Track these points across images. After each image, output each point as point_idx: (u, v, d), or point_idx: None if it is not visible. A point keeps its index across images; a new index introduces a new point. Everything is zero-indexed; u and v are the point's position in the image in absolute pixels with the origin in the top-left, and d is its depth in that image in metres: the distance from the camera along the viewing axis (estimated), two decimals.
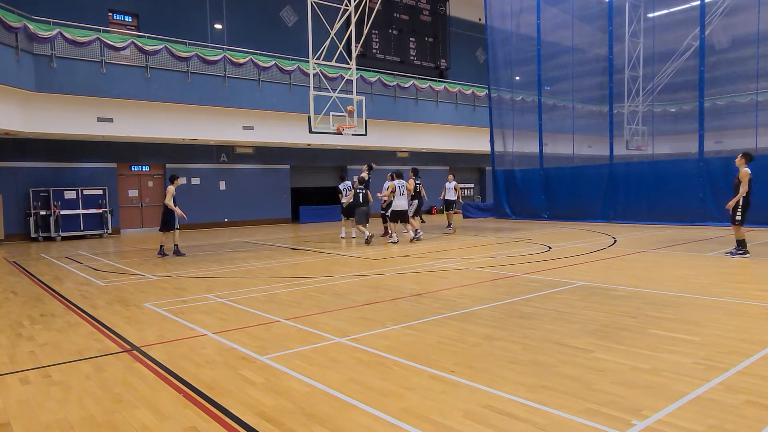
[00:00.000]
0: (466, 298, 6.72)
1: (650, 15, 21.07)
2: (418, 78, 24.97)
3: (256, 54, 20.16)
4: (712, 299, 6.31)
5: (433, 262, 10.07)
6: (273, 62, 20.33)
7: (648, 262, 9.45)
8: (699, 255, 10.03)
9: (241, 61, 19.61)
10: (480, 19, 26.94)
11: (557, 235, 14.27)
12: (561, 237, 13.91)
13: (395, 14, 25.31)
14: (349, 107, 15.84)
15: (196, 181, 21.70)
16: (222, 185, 22.33)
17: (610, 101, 19.09)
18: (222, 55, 19.25)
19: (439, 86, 25.54)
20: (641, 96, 21.78)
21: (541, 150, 20.63)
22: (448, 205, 17.21)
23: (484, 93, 25.03)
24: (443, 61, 27.25)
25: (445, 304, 6.44)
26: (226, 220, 22.42)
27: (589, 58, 20.59)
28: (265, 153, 23.23)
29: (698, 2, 16.73)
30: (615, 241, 12.85)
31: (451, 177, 17.33)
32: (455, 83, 26.41)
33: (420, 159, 28.44)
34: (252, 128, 20.65)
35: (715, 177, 15.53)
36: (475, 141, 26.99)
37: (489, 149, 22.89)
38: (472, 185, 32.18)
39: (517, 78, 22.24)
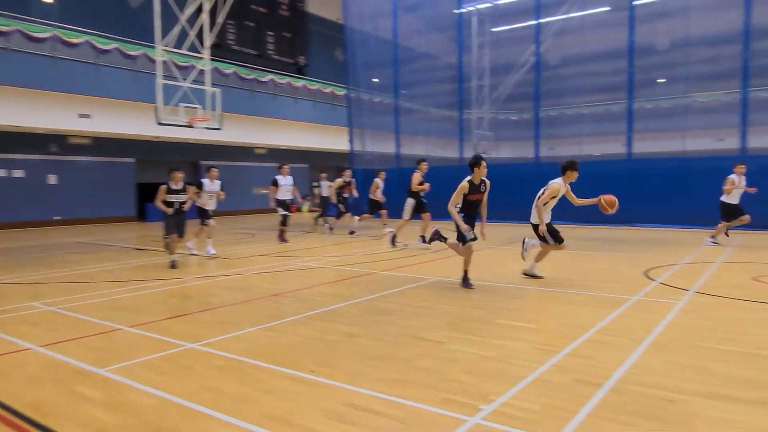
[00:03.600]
0: (326, 297, 6.71)
1: (494, 29, 22.87)
2: (277, 73, 24.49)
3: (95, 35, 18.24)
4: (547, 290, 7.01)
5: (292, 261, 9.92)
6: (115, 45, 18.56)
7: (495, 257, 10.25)
8: (537, 250, 11.09)
9: (76, 41, 17.60)
10: (339, 19, 27.19)
11: (415, 233, 14.87)
12: (418, 235, 14.50)
13: (252, 6, 24.53)
14: (193, 118, 14.80)
15: (19, 173, 19.05)
16: (52, 179, 19.87)
17: (460, 107, 20.37)
18: (52, 33, 17.11)
19: (299, 83, 25.30)
20: (488, 104, 23.57)
21: (397, 151, 21.38)
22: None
23: (344, 92, 25.31)
24: (302, 57, 27.04)
25: (304, 303, 6.36)
26: (57, 218, 19.99)
27: (442, 66, 21.76)
28: (105, 144, 21.10)
29: (534, 22, 18.53)
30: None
31: (742, 168, 11.23)
32: (315, 81, 26.35)
33: (279, 156, 27.91)
34: (89, 116, 18.64)
35: (549, 179, 17.34)
36: (334, 140, 27.18)
37: (348, 148, 23.19)
38: (330, 184, 32.32)
39: (375, 80, 22.79)
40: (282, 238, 13.09)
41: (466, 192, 6.94)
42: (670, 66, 18.81)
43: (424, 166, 12.07)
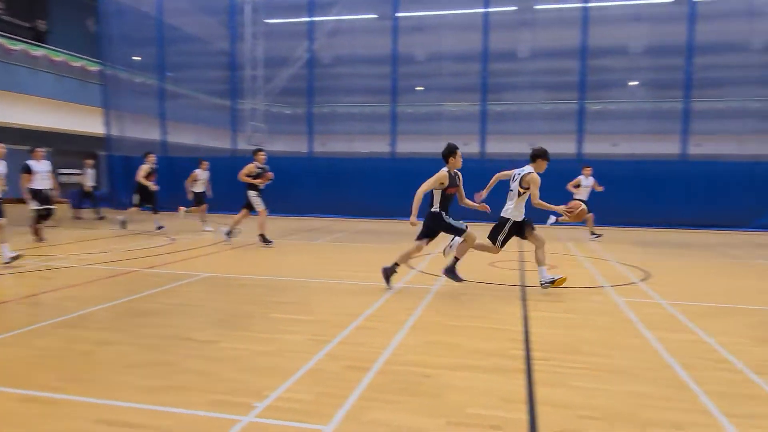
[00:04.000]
0: (75, 301, 5.83)
1: (267, 21, 22.65)
2: (8, 37, 20.45)
3: None
4: (320, 281, 7.21)
5: (30, 261, 8.40)
6: None
7: (268, 251, 10.15)
8: (311, 243, 11.37)
9: None
10: None
11: (182, 227, 13.93)
12: (185, 228, 13.63)
13: None
14: None
15: None
16: None
17: (233, 96, 19.74)
18: None
19: (38, 51, 21.51)
20: (262, 95, 23.25)
21: (164, 138, 19.77)
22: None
23: (98, 68, 22.34)
24: (41, 22, 23.09)
25: (46, 309, 5.44)
26: None
27: (214, 51, 20.77)
28: None
29: (307, 19, 18.90)
30: (240, 231, 13.36)
31: (588, 171, 12.60)
32: (60, 51, 22.70)
33: (12, 137, 23.35)
34: None
35: (321, 174, 17.96)
36: (86, 121, 23.76)
37: (103, 132, 20.64)
38: (82, 171, 28.42)
39: (137, 58, 20.68)
40: (38, 234, 10.85)
41: (445, 184, 6.32)
42: (427, 76, 21.06)
43: (262, 156, 10.71)
